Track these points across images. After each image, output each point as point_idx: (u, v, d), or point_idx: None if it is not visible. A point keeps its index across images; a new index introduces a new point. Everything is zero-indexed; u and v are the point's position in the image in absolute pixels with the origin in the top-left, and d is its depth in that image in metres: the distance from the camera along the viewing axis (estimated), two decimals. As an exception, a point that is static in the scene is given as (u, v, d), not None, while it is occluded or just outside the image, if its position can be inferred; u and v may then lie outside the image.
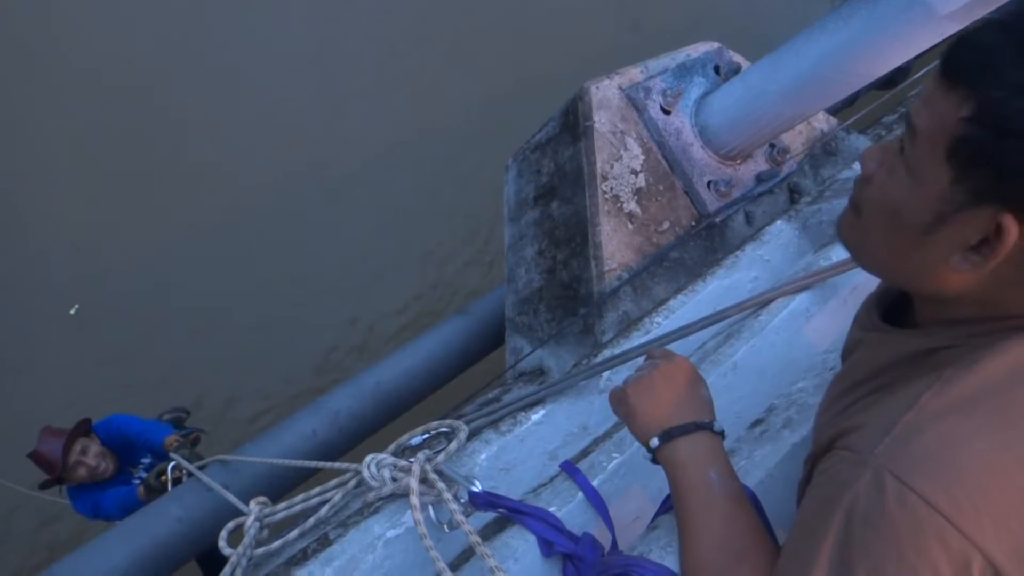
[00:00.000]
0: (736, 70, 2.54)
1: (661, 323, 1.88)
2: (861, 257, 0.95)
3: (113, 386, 4.67)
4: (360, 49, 6.07)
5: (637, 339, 1.84)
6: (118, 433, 3.49)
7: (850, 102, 4.06)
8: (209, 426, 4.09)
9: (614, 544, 1.28)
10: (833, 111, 3.40)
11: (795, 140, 2.63)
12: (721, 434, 1.10)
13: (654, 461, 1.11)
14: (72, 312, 5.12)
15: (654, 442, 1.09)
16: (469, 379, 2.82)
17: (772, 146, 2.53)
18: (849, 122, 2.86)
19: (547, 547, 1.26)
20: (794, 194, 2.53)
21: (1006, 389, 0.81)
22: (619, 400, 1.18)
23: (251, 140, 5.56)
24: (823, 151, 2.70)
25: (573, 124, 2.32)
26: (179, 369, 4.77)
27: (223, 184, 5.40)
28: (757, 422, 1.35)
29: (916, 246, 0.83)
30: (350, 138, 5.69)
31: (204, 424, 4.04)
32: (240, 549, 1.56)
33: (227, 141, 5.55)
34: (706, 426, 1.09)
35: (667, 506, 1.23)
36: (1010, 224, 0.75)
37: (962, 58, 0.77)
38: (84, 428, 3.41)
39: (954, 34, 0.85)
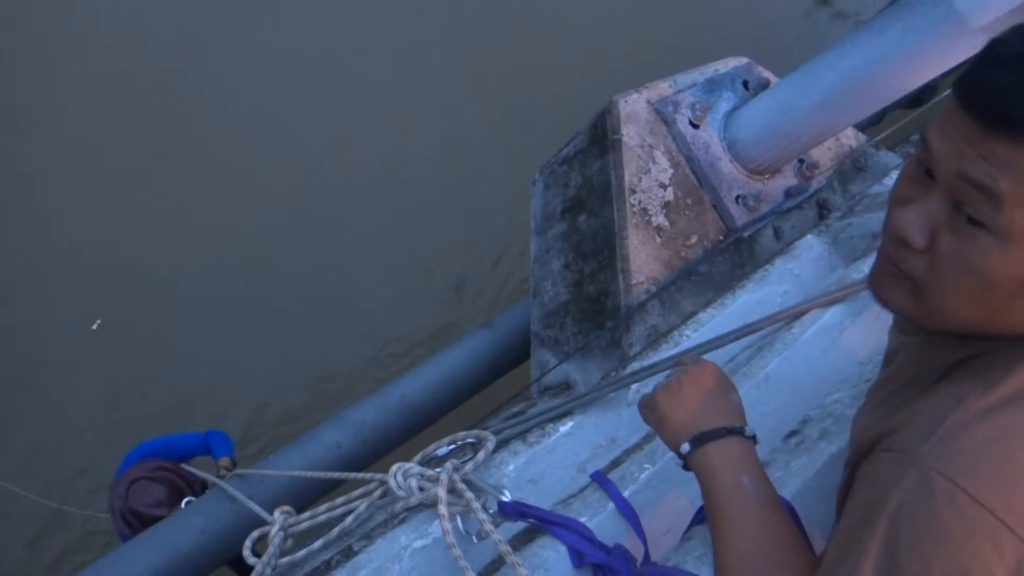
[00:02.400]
0: (765, 85, 2.53)
1: (690, 336, 1.86)
2: (939, 323, 0.88)
3: (136, 405, 4.67)
4: (373, 68, 6.10)
5: (666, 352, 1.82)
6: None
7: (877, 120, 4.04)
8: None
9: (646, 556, 1.26)
10: (860, 128, 3.37)
11: (824, 156, 2.61)
12: (753, 439, 1.08)
13: (686, 468, 1.10)
14: (94, 327, 5.13)
15: (685, 447, 1.08)
16: (494, 394, 2.80)
17: (801, 161, 2.51)
18: (878, 138, 2.83)
19: (578, 558, 1.24)
20: (823, 210, 2.50)
21: None
22: (649, 407, 1.16)
23: (262, 164, 5.57)
24: (852, 167, 2.68)
25: (601, 137, 2.31)
26: (199, 389, 4.76)
27: (240, 208, 5.39)
28: (792, 433, 1.33)
29: (1017, 299, 0.79)
30: (365, 158, 5.69)
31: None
32: (265, 558, 1.55)
33: (239, 166, 5.56)
34: (737, 430, 1.07)
35: (701, 517, 1.20)
36: None
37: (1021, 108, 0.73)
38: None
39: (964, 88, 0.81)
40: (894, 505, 0.79)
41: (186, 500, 2.78)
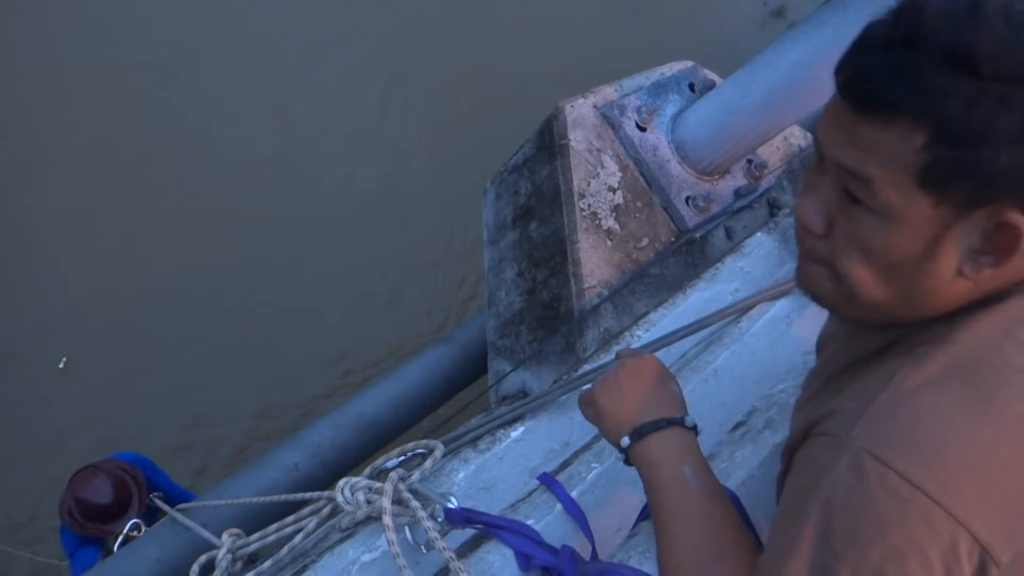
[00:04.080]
0: (710, 87, 2.54)
1: (642, 336, 1.84)
2: (860, 310, 0.87)
3: (97, 445, 4.57)
4: (322, 85, 6.09)
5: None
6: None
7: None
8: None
9: (594, 555, 1.24)
10: (810, 129, 3.40)
11: (773, 155, 2.62)
12: (694, 429, 1.07)
13: (627, 462, 1.07)
14: (60, 366, 5.03)
15: (625, 441, 1.05)
16: (453, 408, 2.77)
17: (749, 161, 2.52)
18: (827, 137, 2.86)
19: (525, 561, 1.21)
20: (773, 208, 2.51)
21: (980, 361, 0.78)
22: (587, 402, 1.14)
23: (215, 190, 5.52)
24: (801, 166, 2.69)
25: (549, 143, 2.31)
26: (164, 426, 4.69)
27: (190, 236, 5.34)
28: (738, 425, 1.31)
29: (920, 275, 0.79)
30: (329, 178, 5.67)
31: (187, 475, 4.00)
32: (211, 581, 1.51)
33: (189, 194, 5.51)
34: (677, 421, 1.05)
35: (647, 514, 1.18)
36: (1016, 216, 0.72)
37: (883, 91, 0.73)
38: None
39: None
40: (827, 489, 0.77)
41: (132, 521, 2.71)
